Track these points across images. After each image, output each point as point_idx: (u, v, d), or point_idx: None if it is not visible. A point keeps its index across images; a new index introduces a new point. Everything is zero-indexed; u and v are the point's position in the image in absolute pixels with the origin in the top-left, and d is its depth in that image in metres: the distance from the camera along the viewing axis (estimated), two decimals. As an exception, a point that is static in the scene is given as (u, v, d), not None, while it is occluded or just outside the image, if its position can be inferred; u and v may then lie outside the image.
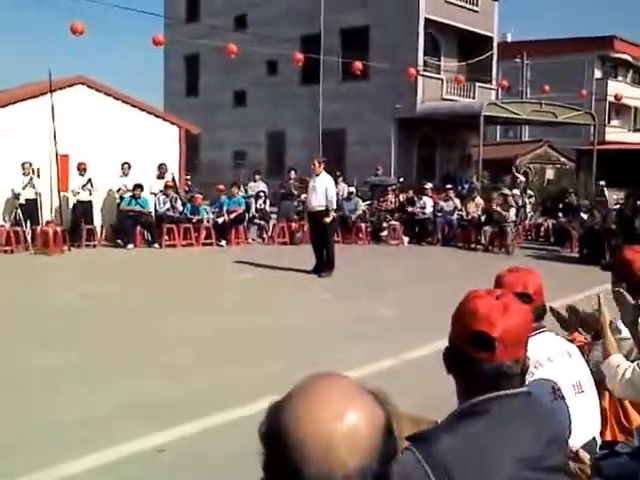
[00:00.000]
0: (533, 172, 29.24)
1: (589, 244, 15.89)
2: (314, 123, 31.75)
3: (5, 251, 14.33)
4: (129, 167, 16.47)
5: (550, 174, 30.36)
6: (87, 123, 16.15)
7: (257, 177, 20.00)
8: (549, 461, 1.75)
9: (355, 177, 23.82)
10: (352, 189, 19.52)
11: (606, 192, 19.67)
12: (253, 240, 17.82)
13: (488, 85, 32.09)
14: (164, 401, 5.71)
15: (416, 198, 19.04)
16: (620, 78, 49.71)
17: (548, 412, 1.96)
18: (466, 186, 22.14)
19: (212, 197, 18.25)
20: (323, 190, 12.39)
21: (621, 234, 14.95)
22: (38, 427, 5.08)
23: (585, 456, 2.61)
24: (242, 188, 18.92)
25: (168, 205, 16.52)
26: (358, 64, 22.36)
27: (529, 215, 20.63)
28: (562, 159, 32.51)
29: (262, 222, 18.16)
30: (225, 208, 17.05)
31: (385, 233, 18.54)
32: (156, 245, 15.99)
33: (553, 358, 2.73)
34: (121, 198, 16.32)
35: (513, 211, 17.62)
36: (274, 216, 18.74)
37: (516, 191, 19.77)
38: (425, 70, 29.11)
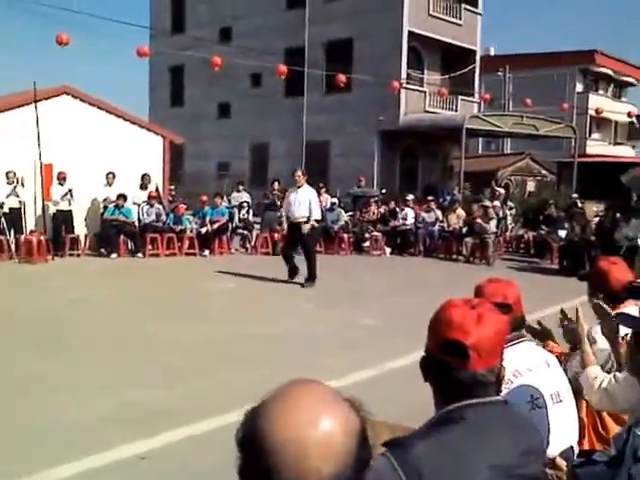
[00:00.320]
0: (514, 184, 29.45)
1: (569, 256, 16.03)
2: (298, 135, 31.84)
3: (-12, 260, 14.30)
4: (113, 177, 16.48)
5: (531, 186, 30.55)
6: (71, 133, 16.14)
7: (240, 188, 20.03)
8: (525, 469, 1.76)
9: (338, 188, 23.91)
10: (335, 200, 19.62)
11: (579, 204, 19.87)
12: (236, 250, 17.83)
13: (470, 98, 32.27)
14: (149, 408, 5.74)
15: (398, 209, 19.15)
16: (601, 92, 50.16)
17: (525, 421, 1.96)
18: (448, 198, 22.25)
19: (195, 207, 18.28)
20: (307, 202, 12.44)
21: (600, 246, 15.07)
22: (22, 433, 5.10)
23: (562, 463, 2.66)
24: (225, 198, 18.95)
25: (153, 217, 16.55)
26: (342, 77, 22.50)
27: (510, 227, 20.77)
28: (543, 171, 32.74)
29: (245, 232, 18.20)
30: (208, 218, 17.08)
31: (367, 244, 18.63)
32: (139, 255, 15.99)
33: (532, 368, 2.74)
34: (105, 208, 16.34)
35: (494, 223, 17.77)
36: (257, 226, 18.79)
37: (497, 203, 19.92)
38: (408, 83, 29.24)
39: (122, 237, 16.08)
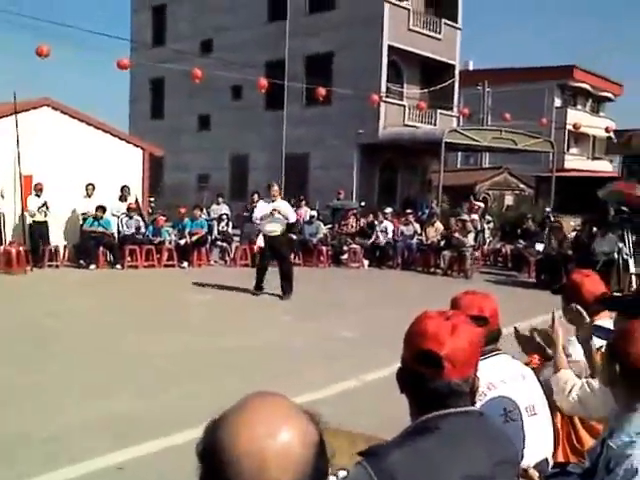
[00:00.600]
0: (492, 198, 29.62)
1: (546, 270, 16.15)
2: (277, 147, 31.88)
3: (-33, 271, 14.20)
4: (93, 188, 16.42)
5: (509, 200, 30.75)
6: (51, 144, 16.09)
7: (220, 200, 20.02)
8: (498, 480, 1.79)
9: (317, 201, 23.96)
10: (314, 213, 19.66)
11: (552, 217, 20.08)
12: (215, 262, 17.81)
13: (449, 112, 32.47)
14: (127, 419, 5.74)
15: (376, 222, 19.22)
16: (579, 107, 50.64)
17: (500, 433, 1.98)
18: (426, 211, 22.36)
19: (175, 219, 18.25)
20: (282, 215, 12.57)
21: (577, 260, 15.18)
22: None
23: (534, 474, 2.69)
24: (205, 211, 18.94)
25: (132, 229, 16.51)
26: (322, 90, 22.57)
27: (488, 240, 20.90)
28: (521, 185, 32.95)
29: (224, 244, 18.18)
30: (187, 230, 17.05)
31: (346, 256, 18.66)
32: (118, 266, 15.94)
33: (507, 380, 2.76)
34: (84, 219, 16.27)
35: (472, 236, 17.90)
36: (236, 238, 18.79)
37: (475, 216, 20.05)
38: (388, 96, 29.38)
39: (101, 248, 16.02)
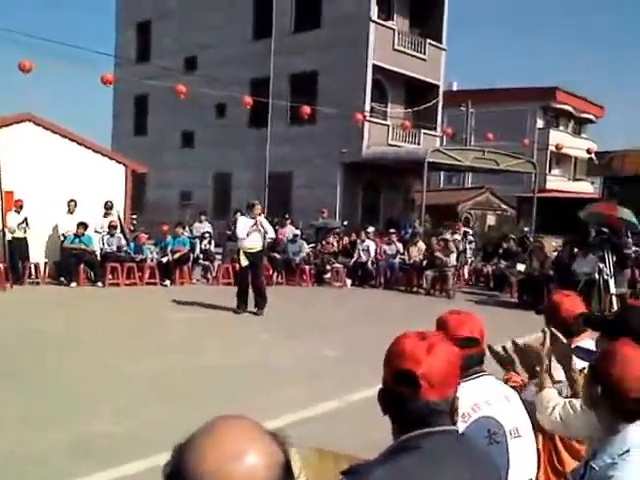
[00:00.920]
0: (474, 218, 29.77)
1: (528, 290, 16.23)
2: (261, 165, 31.88)
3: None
4: (75, 205, 16.32)
5: (491, 220, 30.95)
6: (33, 160, 16.00)
7: (203, 218, 19.98)
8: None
9: (301, 220, 23.94)
10: (297, 231, 19.67)
11: (530, 237, 20.24)
12: (198, 280, 17.75)
13: (433, 132, 32.61)
14: (106, 440, 5.68)
15: (359, 241, 19.24)
16: (561, 128, 51.04)
17: (484, 455, 1.99)
18: (409, 231, 22.42)
19: (157, 237, 18.17)
20: (263, 232, 12.77)
21: (559, 280, 15.26)
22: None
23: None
24: (187, 228, 18.88)
25: (114, 247, 16.43)
26: (306, 108, 22.64)
27: (469, 260, 20.97)
28: (503, 206, 33.16)
29: (207, 263, 18.12)
30: (169, 248, 16.98)
31: (328, 275, 18.68)
32: (99, 284, 15.83)
33: (491, 402, 2.73)
34: (64, 236, 16.15)
35: (454, 256, 17.96)
36: (219, 257, 18.74)
37: (457, 236, 20.14)
38: (372, 116, 29.48)
39: (82, 266, 15.90)
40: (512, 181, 35.02)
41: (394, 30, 30.39)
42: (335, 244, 19.67)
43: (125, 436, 5.80)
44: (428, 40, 31.80)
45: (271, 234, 13.33)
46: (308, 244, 19.56)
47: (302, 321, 12.56)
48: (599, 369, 2.38)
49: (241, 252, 12.85)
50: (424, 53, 31.64)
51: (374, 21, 29.23)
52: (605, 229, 15.29)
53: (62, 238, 16.15)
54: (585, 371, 2.87)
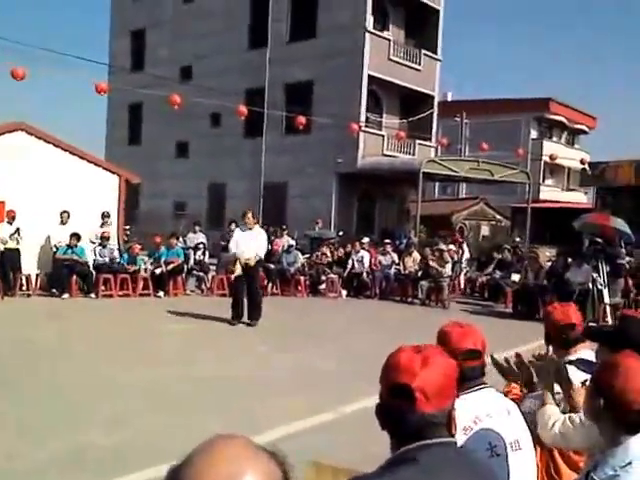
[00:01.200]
0: (468, 228, 29.79)
1: (523, 300, 16.24)
2: (256, 176, 31.88)
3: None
4: (68, 216, 16.21)
5: (485, 230, 30.96)
6: (25, 170, 15.90)
7: (197, 228, 19.90)
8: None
9: (296, 230, 23.93)
10: (292, 242, 19.65)
11: (520, 247, 20.29)
12: (192, 291, 17.68)
13: (428, 142, 32.66)
14: (100, 451, 5.62)
15: (353, 252, 19.22)
16: (555, 139, 51.37)
17: (484, 467, 1.99)
18: (404, 241, 22.42)
19: (151, 247, 18.10)
20: (258, 242, 12.82)
21: (553, 290, 15.29)
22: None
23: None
24: (181, 239, 18.80)
25: (107, 258, 16.35)
26: (301, 118, 22.64)
27: (464, 270, 20.98)
28: (497, 216, 33.20)
29: (201, 273, 18.05)
30: (163, 259, 16.89)
31: (324, 286, 18.65)
32: (92, 295, 15.73)
33: (492, 414, 2.73)
34: (57, 247, 16.05)
35: (449, 266, 17.96)
36: (213, 268, 18.68)
37: (452, 247, 20.15)
38: (367, 126, 29.52)
39: (74, 277, 15.81)
40: (506, 191, 35.11)
41: (389, 40, 30.49)
42: (329, 254, 19.65)
43: (120, 446, 5.75)
44: (423, 51, 31.92)
45: (262, 253, 13.30)
46: (303, 254, 19.55)
47: (297, 332, 12.52)
48: (601, 381, 2.37)
49: (237, 261, 12.84)
50: (419, 64, 31.73)
51: (369, 31, 29.31)
52: (599, 239, 15.35)
53: (54, 249, 16.03)
54: (587, 383, 2.85)
